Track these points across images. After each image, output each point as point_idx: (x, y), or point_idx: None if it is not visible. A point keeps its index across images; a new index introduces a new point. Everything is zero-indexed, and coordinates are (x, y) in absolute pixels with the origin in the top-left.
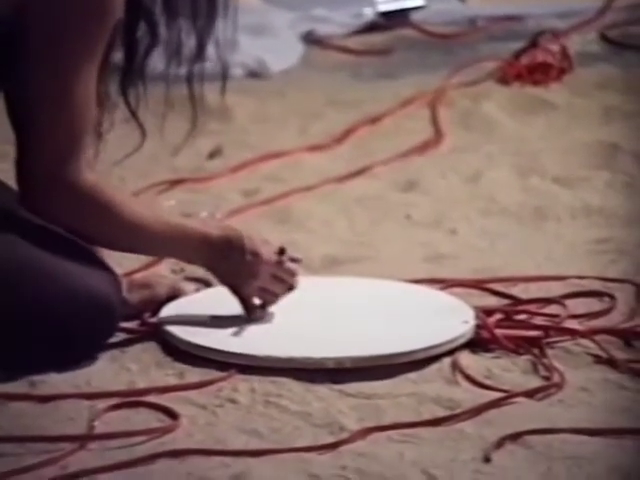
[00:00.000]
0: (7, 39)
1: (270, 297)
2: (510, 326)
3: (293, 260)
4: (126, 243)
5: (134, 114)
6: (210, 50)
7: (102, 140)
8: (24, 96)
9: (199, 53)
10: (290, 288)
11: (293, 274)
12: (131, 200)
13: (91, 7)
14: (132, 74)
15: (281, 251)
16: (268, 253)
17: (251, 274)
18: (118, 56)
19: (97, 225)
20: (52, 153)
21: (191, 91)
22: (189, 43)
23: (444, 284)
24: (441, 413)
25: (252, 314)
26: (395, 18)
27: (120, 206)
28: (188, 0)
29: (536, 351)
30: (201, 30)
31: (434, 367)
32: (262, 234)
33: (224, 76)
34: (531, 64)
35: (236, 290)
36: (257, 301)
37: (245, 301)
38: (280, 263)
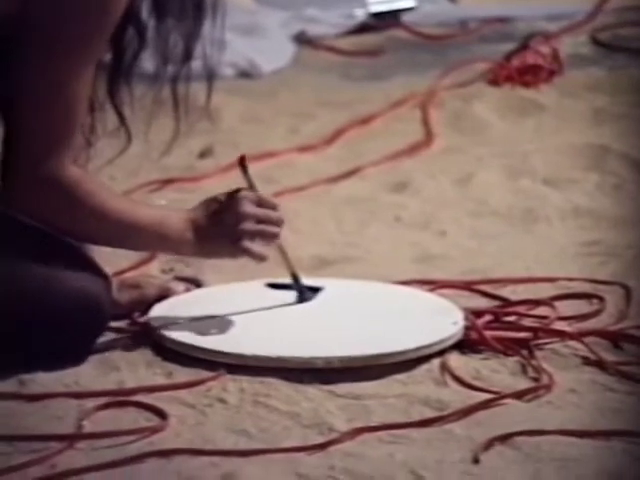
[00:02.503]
0: (7, 39)
1: (267, 226)
2: (499, 327)
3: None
4: (108, 235)
5: (121, 116)
6: (201, 50)
7: (92, 147)
8: (17, 92)
9: (187, 54)
10: (278, 218)
11: (273, 203)
12: (113, 193)
13: (92, 9)
14: (120, 76)
15: (241, 160)
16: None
17: (234, 212)
18: (106, 58)
19: (77, 218)
20: (38, 147)
21: (175, 92)
22: (177, 44)
23: (433, 285)
24: (430, 414)
25: (256, 258)
26: (386, 19)
27: (100, 198)
28: (176, 1)
29: (525, 352)
30: (189, 31)
31: (423, 368)
32: None
33: (210, 77)
34: (522, 66)
35: (228, 245)
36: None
37: (241, 248)
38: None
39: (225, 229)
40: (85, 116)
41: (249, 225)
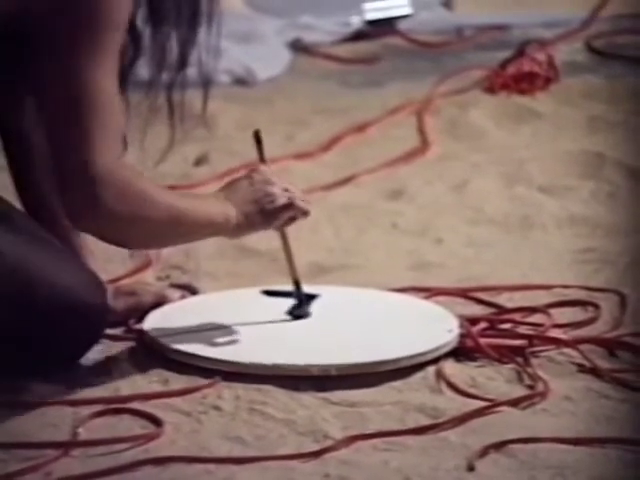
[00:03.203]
0: (6, 37)
1: (293, 193)
2: (494, 335)
3: None
4: (170, 232)
5: None
6: (196, 57)
7: None
8: (35, 95)
9: (183, 61)
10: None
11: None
12: (160, 187)
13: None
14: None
15: (256, 134)
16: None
17: (261, 181)
18: None
19: (133, 217)
20: (76, 147)
21: (171, 100)
22: (173, 51)
23: (429, 292)
24: (425, 421)
25: (300, 211)
26: (382, 26)
27: (151, 191)
28: (172, 8)
29: (520, 360)
30: (184, 38)
31: (418, 375)
32: (248, 241)
33: (206, 84)
34: (517, 73)
35: (264, 211)
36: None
37: (281, 206)
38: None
39: (257, 196)
40: (121, 117)
41: (278, 190)
